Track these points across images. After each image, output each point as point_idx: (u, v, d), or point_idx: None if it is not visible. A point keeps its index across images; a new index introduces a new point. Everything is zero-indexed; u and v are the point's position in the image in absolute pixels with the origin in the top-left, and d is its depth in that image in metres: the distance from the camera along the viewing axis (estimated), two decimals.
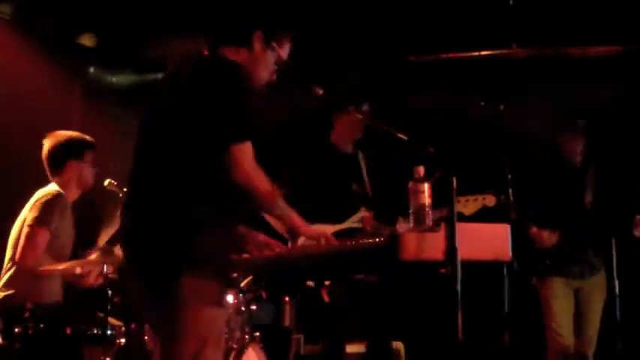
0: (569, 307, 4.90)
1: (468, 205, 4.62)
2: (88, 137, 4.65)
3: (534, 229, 4.84)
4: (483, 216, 4.53)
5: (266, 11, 2.97)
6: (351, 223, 4.68)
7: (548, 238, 4.83)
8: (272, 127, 4.75)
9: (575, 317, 4.92)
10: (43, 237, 4.32)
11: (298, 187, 4.28)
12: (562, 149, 5.00)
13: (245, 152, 2.68)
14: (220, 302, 2.75)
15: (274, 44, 2.94)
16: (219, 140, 2.67)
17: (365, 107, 4.64)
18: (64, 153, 4.55)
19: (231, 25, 2.94)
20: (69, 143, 4.56)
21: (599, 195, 4.94)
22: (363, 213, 4.73)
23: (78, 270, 4.28)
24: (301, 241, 3.10)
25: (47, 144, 4.56)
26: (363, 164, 4.92)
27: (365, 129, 4.76)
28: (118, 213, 4.29)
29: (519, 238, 4.77)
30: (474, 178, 3.91)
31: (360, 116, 4.61)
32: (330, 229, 4.44)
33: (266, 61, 2.94)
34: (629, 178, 5.08)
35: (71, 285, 4.50)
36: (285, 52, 2.99)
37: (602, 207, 4.89)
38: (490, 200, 4.71)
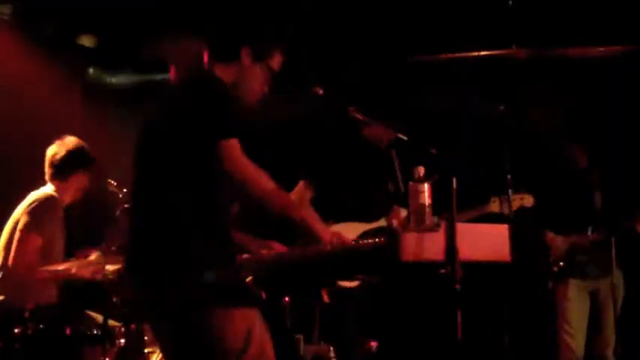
0: (583, 311, 4.89)
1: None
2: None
3: (550, 235, 4.83)
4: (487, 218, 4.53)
5: (253, 26, 2.94)
6: (383, 222, 4.59)
7: (562, 244, 4.82)
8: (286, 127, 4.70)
9: (593, 317, 4.90)
10: (35, 243, 4.30)
11: (330, 186, 4.22)
12: (567, 151, 5.00)
13: (234, 146, 2.67)
14: (236, 309, 2.65)
15: (264, 58, 2.93)
16: (206, 139, 2.66)
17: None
18: (76, 161, 4.53)
19: (219, 42, 2.94)
20: (80, 152, 4.55)
21: (607, 195, 4.94)
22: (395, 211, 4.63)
23: (74, 271, 4.26)
24: None
25: (57, 149, 4.53)
26: (395, 160, 4.81)
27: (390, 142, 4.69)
28: (118, 213, 4.33)
29: (535, 242, 4.80)
30: (512, 179, 3.91)
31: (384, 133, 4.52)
32: (362, 227, 4.38)
33: (255, 75, 2.93)
34: (633, 177, 5.09)
35: (67, 286, 4.49)
36: (276, 63, 2.97)
37: (610, 206, 4.89)
38: (528, 201, 4.68)
